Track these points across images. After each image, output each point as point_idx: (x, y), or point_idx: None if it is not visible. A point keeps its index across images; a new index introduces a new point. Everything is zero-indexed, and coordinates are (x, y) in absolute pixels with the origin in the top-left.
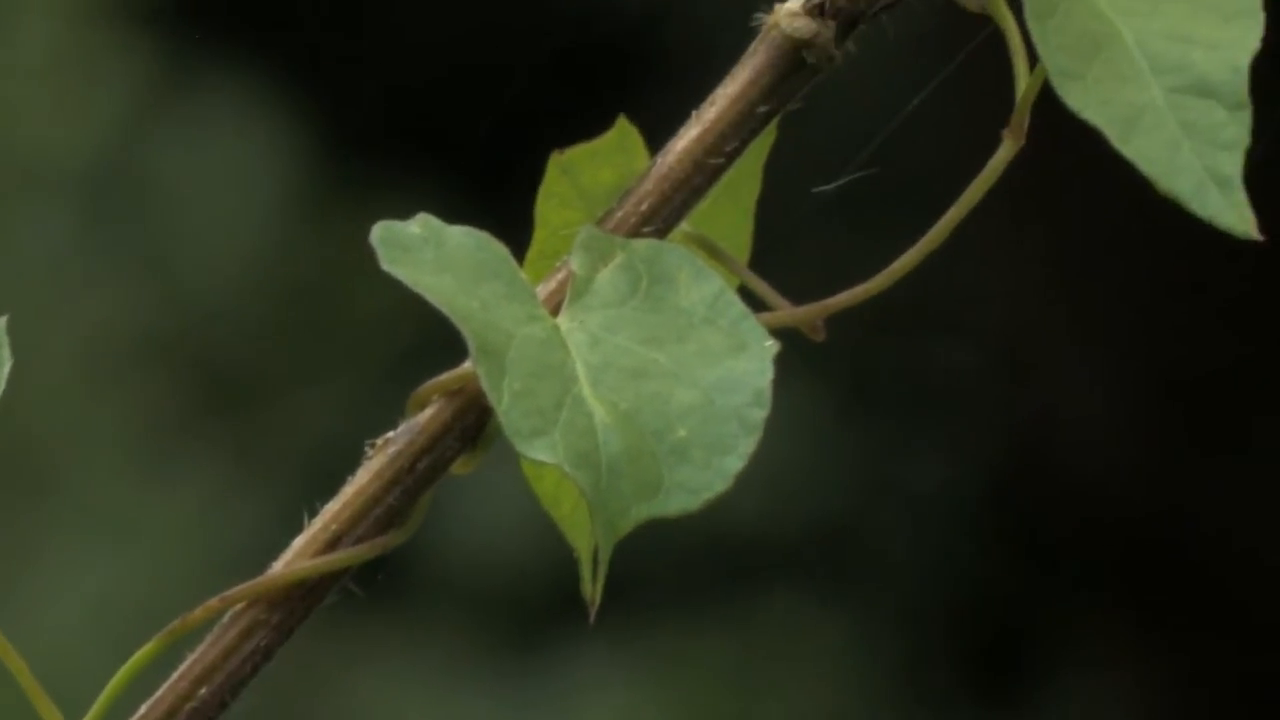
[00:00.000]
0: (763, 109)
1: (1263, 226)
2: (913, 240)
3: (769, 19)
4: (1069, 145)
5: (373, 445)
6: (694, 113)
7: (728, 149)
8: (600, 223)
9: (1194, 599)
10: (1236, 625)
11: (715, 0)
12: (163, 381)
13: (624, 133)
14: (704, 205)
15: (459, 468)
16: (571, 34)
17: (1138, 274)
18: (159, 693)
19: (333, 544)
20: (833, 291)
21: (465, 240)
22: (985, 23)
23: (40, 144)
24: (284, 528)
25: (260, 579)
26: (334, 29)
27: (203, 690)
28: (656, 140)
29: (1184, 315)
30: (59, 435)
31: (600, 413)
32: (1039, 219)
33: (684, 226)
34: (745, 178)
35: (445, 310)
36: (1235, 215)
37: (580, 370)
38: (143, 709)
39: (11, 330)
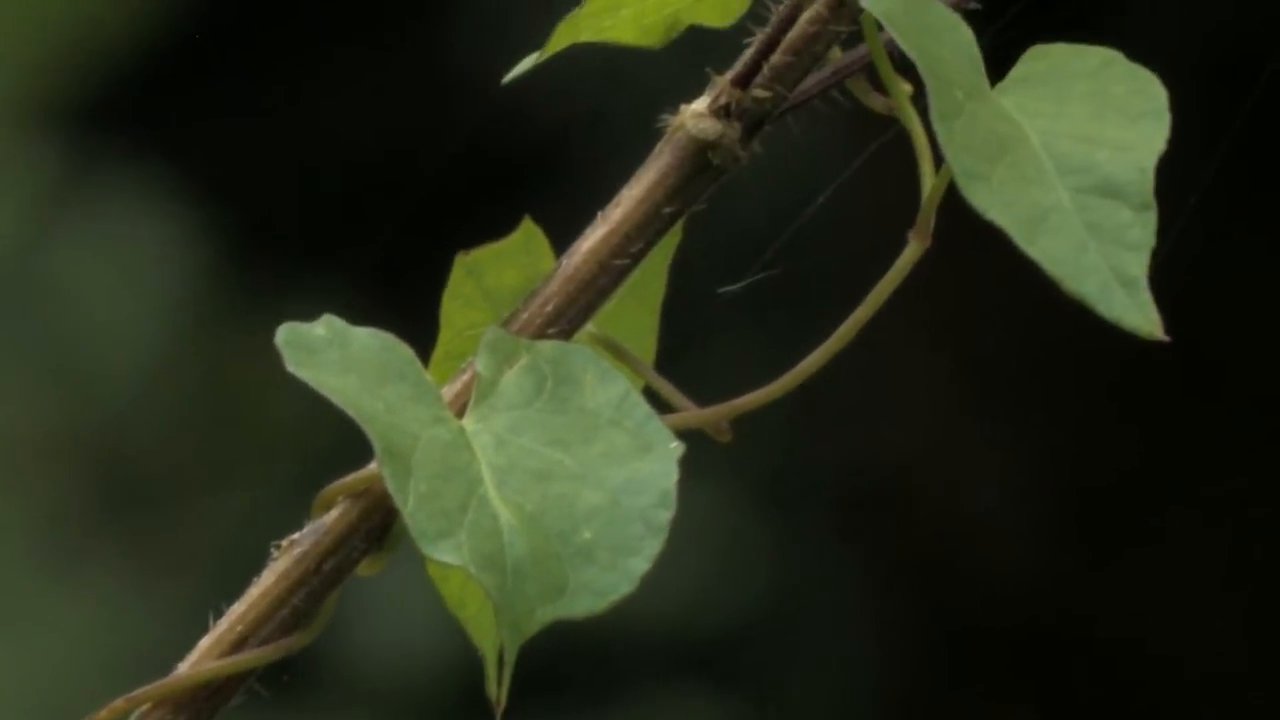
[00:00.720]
0: (668, 210)
1: (1168, 327)
2: (820, 340)
3: (674, 120)
4: (977, 244)
5: (279, 546)
6: (599, 213)
7: (633, 250)
8: (505, 324)
9: (1104, 701)
10: None
11: (621, 101)
12: (68, 482)
13: (529, 234)
14: (609, 306)
15: (365, 569)
16: (477, 135)
17: (1046, 375)
18: None
19: (239, 645)
20: (739, 392)
21: (370, 342)
22: (891, 123)
23: None
24: (190, 628)
25: (166, 680)
26: (239, 130)
27: None
28: (562, 241)
29: (1091, 418)
30: None
31: (505, 514)
32: (947, 319)
33: (589, 327)
34: (650, 278)
35: (350, 412)
36: (1141, 316)
37: (485, 472)
38: None
39: None
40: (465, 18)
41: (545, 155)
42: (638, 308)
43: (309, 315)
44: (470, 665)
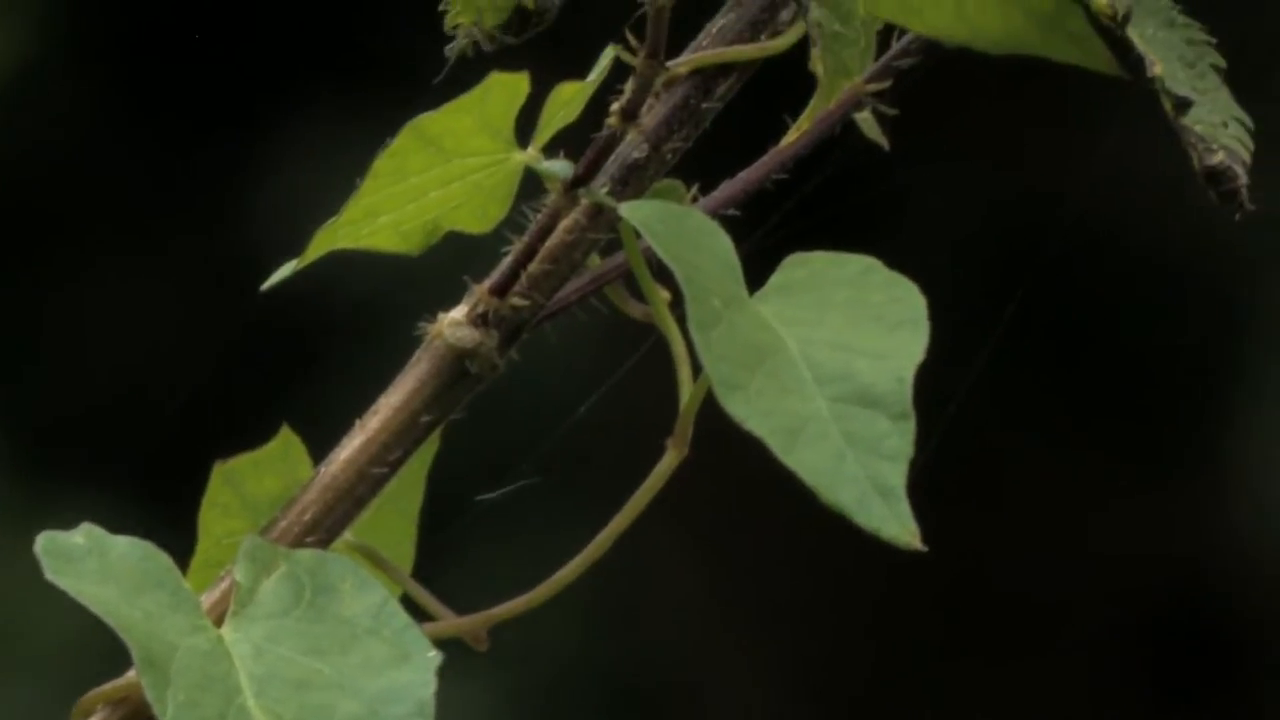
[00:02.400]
0: (426, 418)
1: (926, 534)
2: (579, 547)
3: (432, 328)
4: (734, 450)
5: None
6: (357, 421)
7: (391, 458)
8: (264, 532)
9: None
10: None
11: (379, 308)
12: None
13: (287, 442)
14: (368, 514)
15: None
16: (236, 342)
17: (806, 581)
18: None
19: None
20: (498, 600)
21: (129, 550)
22: (651, 330)
23: None
24: None
25: None
26: (5, 341)
27: None
28: (320, 449)
29: (850, 622)
30: None
31: None
32: (703, 525)
33: (347, 536)
34: (408, 487)
35: (109, 621)
36: (898, 526)
37: (244, 681)
38: None
39: None
40: (229, 225)
41: (303, 362)
42: (396, 516)
43: (68, 523)
44: None
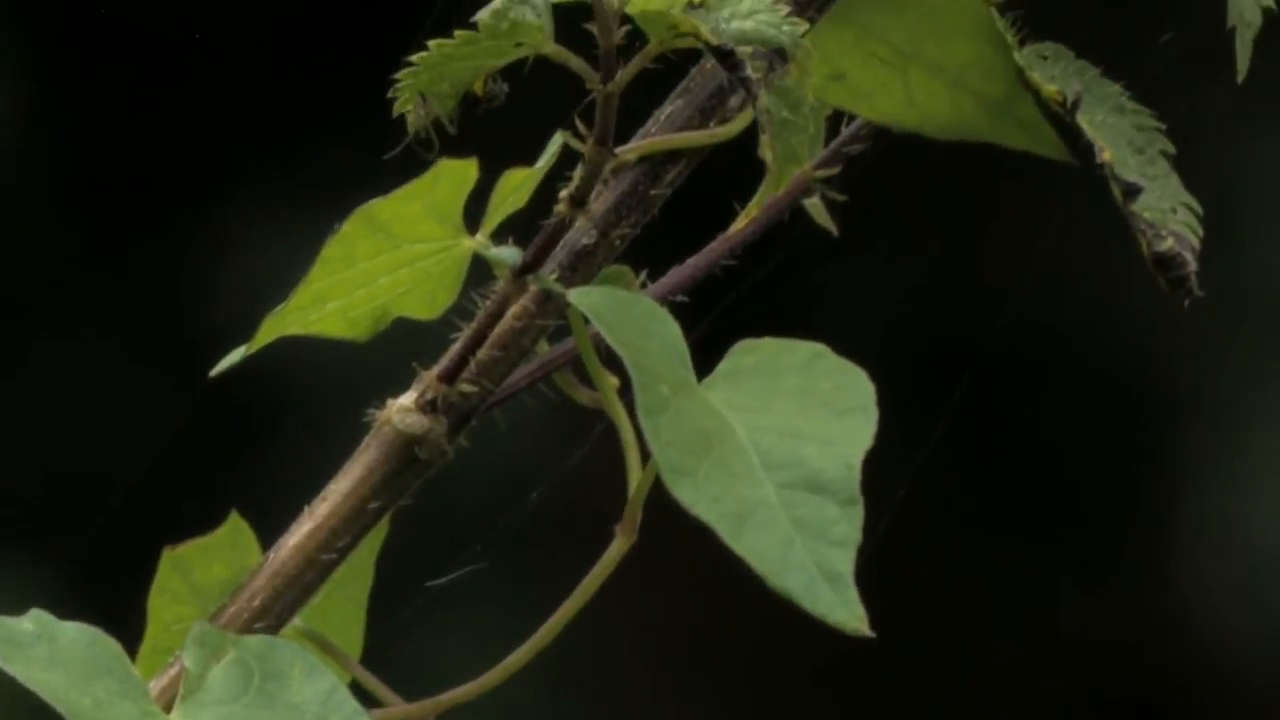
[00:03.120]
0: (374, 504)
1: (874, 620)
2: (528, 632)
3: (381, 414)
4: (682, 534)
5: None
6: (306, 508)
7: (340, 545)
8: (213, 619)
9: None
10: None
11: (327, 394)
12: None
13: (236, 529)
14: (316, 601)
15: None
16: (184, 427)
17: (748, 657)
18: None
19: None
20: (447, 686)
21: (78, 636)
22: (601, 416)
23: None
24: None
25: None
26: None
27: None
28: (269, 535)
29: (806, 706)
30: None
31: None
32: (649, 608)
33: (296, 622)
34: (357, 573)
35: (59, 707)
36: (846, 612)
37: None
38: None
39: None
40: (178, 309)
41: (251, 448)
42: (345, 602)
43: (15, 609)
44: None
